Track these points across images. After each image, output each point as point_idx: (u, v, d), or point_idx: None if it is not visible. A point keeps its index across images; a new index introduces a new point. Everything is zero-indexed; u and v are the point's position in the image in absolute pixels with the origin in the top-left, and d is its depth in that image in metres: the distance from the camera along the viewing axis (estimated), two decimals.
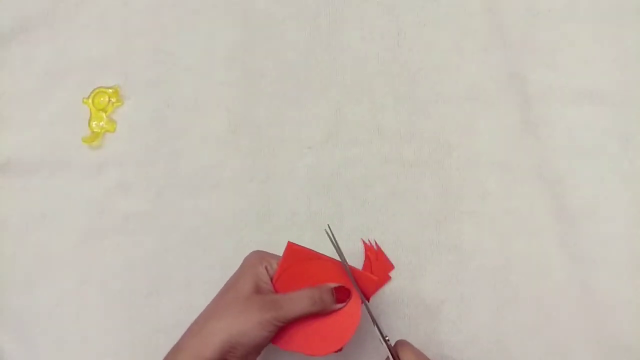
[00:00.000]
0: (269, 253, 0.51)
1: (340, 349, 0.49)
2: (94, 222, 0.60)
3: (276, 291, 0.49)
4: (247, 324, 0.45)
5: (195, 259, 0.59)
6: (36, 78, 0.62)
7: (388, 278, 0.58)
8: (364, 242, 0.58)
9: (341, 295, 0.48)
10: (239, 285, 0.48)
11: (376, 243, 0.58)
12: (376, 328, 0.48)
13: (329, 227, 0.49)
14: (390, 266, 0.58)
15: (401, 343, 0.48)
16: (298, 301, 0.47)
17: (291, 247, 0.49)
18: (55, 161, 0.61)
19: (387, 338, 0.48)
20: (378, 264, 0.58)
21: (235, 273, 0.49)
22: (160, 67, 0.62)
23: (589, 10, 0.60)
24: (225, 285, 0.49)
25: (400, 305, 0.57)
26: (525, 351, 0.56)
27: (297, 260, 0.49)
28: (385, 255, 0.58)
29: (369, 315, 0.49)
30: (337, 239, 0.49)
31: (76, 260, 0.60)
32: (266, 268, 0.49)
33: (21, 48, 0.63)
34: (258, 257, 0.50)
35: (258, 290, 0.48)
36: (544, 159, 0.58)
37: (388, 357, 0.48)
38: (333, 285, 0.48)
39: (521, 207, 0.58)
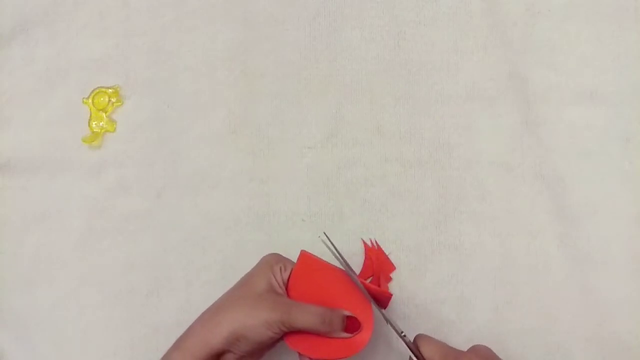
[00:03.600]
0: (285, 257, 0.51)
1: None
2: (94, 222, 0.60)
3: (289, 297, 0.49)
4: (255, 319, 0.46)
5: (195, 259, 0.59)
6: (36, 78, 0.62)
7: (389, 279, 0.58)
8: (364, 242, 0.58)
9: (352, 325, 0.48)
10: (253, 281, 0.49)
11: (377, 243, 0.58)
12: (390, 326, 0.48)
13: (325, 235, 0.49)
14: (391, 266, 0.58)
15: (421, 337, 0.48)
16: (308, 315, 0.47)
17: (304, 256, 0.49)
18: (55, 161, 0.61)
19: (403, 334, 0.48)
20: (378, 264, 0.58)
21: (251, 270, 0.50)
22: (160, 67, 0.62)
23: (589, 10, 0.60)
24: (240, 280, 0.50)
25: (400, 305, 0.58)
26: (525, 351, 0.57)
27: (310, 269, 0.49)
28: (386, 255, 0.58)
29: (382, 318, 0.49)
30: (337, 248, 0.49)
31: (76, 260, 0.60)
32: (281, 269, 0.49)
33: (21, 48, 0.63)
34: (275, 258, 0.50)
35: (271, 289, 0.48)
36: (544, 159, 0.59)
37: (410, 356, 0.47)
38: (347, 313, 0.48)
39: (521, 207, 0.58)
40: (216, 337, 0.46)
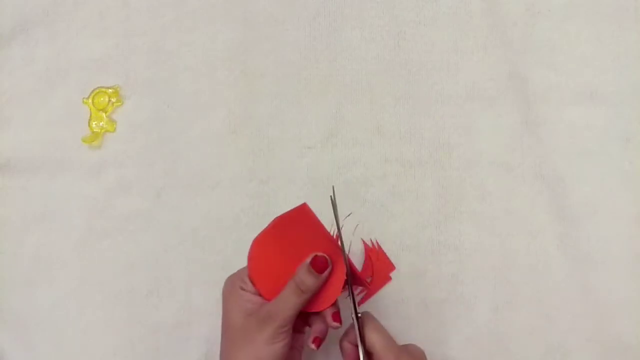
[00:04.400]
0: (237, 272, 0.50)
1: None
2: (94, 222, 0.60)
3: (266, 297, 0.48)
4: (257, 348, 0.46)
5: (195, 259, 0.59)
6: (36, 78, 0.62)
7: (389, 279, 0.58)
8: (364, 242, 0.58)
9: (318, 264, 0.47)
10: (231, 319, 0.48)
11: (377, 243, 0.58)
12: (350, 296, 0.48)
13: (333, 191, 0.48)
14: (391, 266, 0.58)
15: (368, 318, 0.48)
16: (286, 301, 0.47)
17: (253, 246, 0.49)
18: (55, 161, 0.61)
19: (359, 315, 0.47)
20: (379, 264, 0.58)
21: (222, 309, 0.49)
22: (160, 67, 0.62)
23: (589, 10, 0.60)
24: (222, 324, 0.49)
25: (400, 305, 0.58)
26: (525, 351, 0.57)
27: (265, 248, 0.48)
28: (386, 256, 0.58)
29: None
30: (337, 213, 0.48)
31: (76, 260, 0.60)
32: (242, 287, 0.48)
33: (21, 48, 0.63)
34: (230, 282, 0.49)
35: (248, 313, 0.47)
36: (544, 159, 0.59)
37: (353, 327, 0.47)
38: (306, 262, 0.47)
39: (521, 207, 0.58)
40: None
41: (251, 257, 0.49)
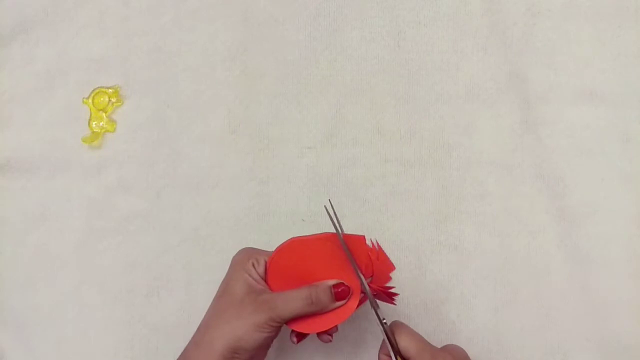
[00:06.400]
0: (256, 249, 0.50)
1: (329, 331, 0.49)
2: (94, 222, 0.60)
3: (270, 288, 0.48)
4: (243, 328, 0.45)
5: (195, 259, 0.59)
6: (36, 78, 0.62)
7: (389, 279, 0.57)
8: None
9: (343, 291, 0.48)
10: (231, 287, 0.48)
11: (377, 243, 0.58)
12: (374, 311, 0.48)
13: (330, 203, 0.49)
14: (391, 266, 0.57)
15: (397, 325, 0.48)
16: (293, 301, 0.47)
17: (281, 249, 0.49)
18: (55, 161, 0.61)
19: (384, 321, 0.48)
20: (379, 264, 0.57)
21: (226, 276, 0.49)
22: (160, 67, 0.62)
23: (589, 10, 0.60)
24: (220, 288, 0.49)
25: (400, 305, 0.58)
26: (525, 351, 0.57)
27: (288, 253, 0.49)
28: (386, 256, 0.58)
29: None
30: (339, 221, 0.49)
31: (76, 260, 0.60)
32: (254, 265, 0.48)
33: (21, 48, 0.63)
34: (245, 255, 0.49)
35: (250, 289, 0.47)
36: (544, 159, 0.59)
37: (384, 340, 0.48)
38: (332, 282, 0.48)
39: (521, 207, 0.58)
40: (213, 356, 0.45)
41: (281, 250, 0.49)
